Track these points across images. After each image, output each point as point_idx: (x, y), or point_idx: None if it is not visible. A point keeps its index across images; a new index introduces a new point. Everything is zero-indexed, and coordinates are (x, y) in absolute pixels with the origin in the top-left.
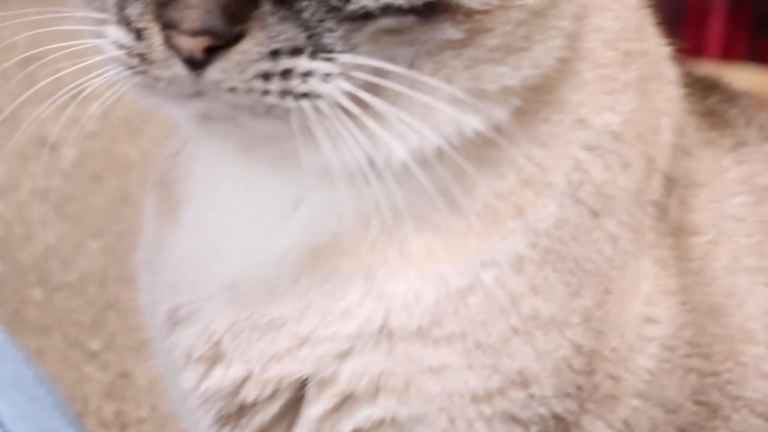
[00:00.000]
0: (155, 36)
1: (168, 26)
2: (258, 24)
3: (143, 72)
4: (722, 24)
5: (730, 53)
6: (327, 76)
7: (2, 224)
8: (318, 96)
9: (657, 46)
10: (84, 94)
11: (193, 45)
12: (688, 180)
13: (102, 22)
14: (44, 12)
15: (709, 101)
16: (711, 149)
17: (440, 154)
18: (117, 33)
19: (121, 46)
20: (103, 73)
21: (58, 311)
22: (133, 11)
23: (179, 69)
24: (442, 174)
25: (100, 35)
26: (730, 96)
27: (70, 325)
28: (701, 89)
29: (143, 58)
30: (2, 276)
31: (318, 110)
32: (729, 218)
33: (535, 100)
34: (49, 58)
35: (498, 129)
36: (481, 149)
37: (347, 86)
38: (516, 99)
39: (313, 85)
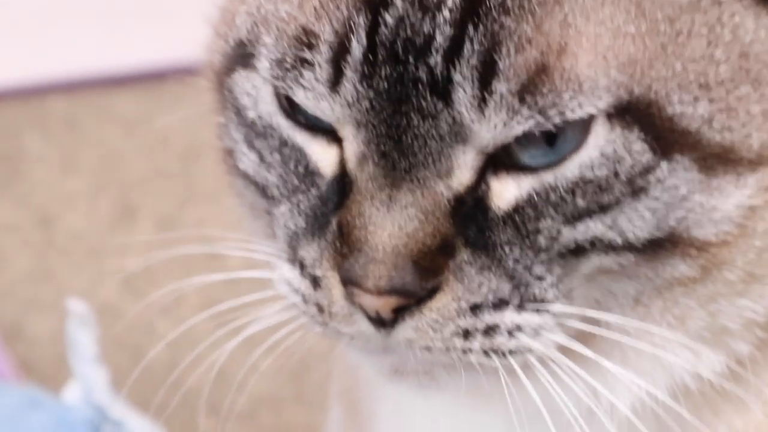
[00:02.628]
0: (335, 288)
1: (350, 282)
2: (455, 276)
3: (323, 324)
4: None
5: None
6: (538, 329)
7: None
8: (528, 351)
9: None
10: (251, 329)
11: (380, 305)
12: None
13: (273, 254)
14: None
15: None
16: None
17: (674, 397)
18: (290, 274)
19: (296, 291)
20: (276, 314)
21: None
22: (308, 254)
23: (364, 326)
24: (676, 419)
25: (272, 267)
26: None
27: None
28: None
29: (321, 309)
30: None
31: (526, 365)
32: None
33: None
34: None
35: (741, 364)
36: (721, 387)
37: (560, 338)
38: (761, 331)
39: (522, 341)
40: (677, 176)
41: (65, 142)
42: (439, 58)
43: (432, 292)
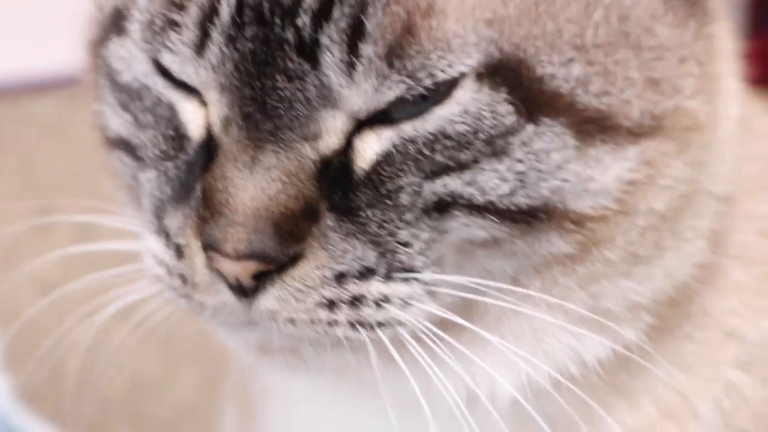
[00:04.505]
0: (197, 256)
1: (210, 247)
2: (318, 242)
3: (187, 296)
4: None
5: None
6: (407, 300)
7: None
8: (398, 324)
9: None
10: (117, 305)
11: (239, 271)
12: None
13: (142, 225)
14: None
15: None
16: None
17: (558, 384)
18: (156, 245)
19: (161, 262)
20: (144, 288)
21: None
22: (172, 223)
23: (226, 296)
24: (562, 409)
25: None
26: None
27: None
28: None
29: (185, 279)
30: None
31: (399, 340)
32: None
33: (672, 314)
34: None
35: (628, 352)
36: (609, 377)
37: (433, 309)
38: (648, 316)
39: (391, 312)
40: (547, 141)
41: None
42: (307, 20)
43: (295, 260)
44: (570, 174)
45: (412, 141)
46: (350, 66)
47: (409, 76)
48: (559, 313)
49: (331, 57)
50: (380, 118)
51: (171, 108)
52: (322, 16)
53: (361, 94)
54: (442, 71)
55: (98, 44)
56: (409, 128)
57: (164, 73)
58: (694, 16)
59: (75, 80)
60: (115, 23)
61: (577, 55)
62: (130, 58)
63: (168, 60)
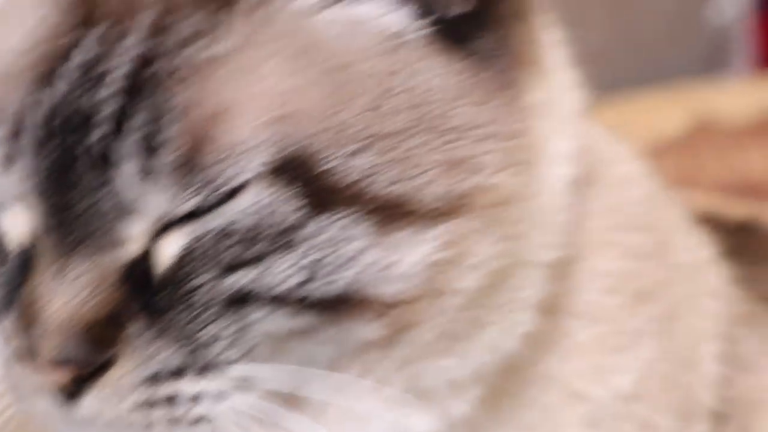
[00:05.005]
0: (24, 362)
1: (27, 356)
2: (128, 346)
3: (20, 400)
4: None
5: None
6: (220, 395)
7: None
8: (214, 419)
9: (690, 254)
10: None
11: (55, 377)
12: (748, 404)
13: None
14: None
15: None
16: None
17: None
18: None
19: (3, 366)
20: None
21: None
22: (7, 324)
23: (50, 402)
24: None
25: None
26: None
27: None
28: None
29: (16, 386)
30: None
31: None
32: None
33: (509, 383)
34: None
35: (467, 424)
36: None
37: (250, 401)
38: (476, 389)
39: (205, 407)
40: (338, 232)
41: None
42: (97, 135)
43: (108, 364)
44: (367, 262)
45: (204, 236)
46: (147, 175)
47: (204, 186)
48: (379, 396)
49: (126, 169)
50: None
51: None
52: (114, 129)
53: (160, 201)
54: (234, 180)
55: None
56: (199, 225)
57: None
58: (505, 89)
59: None
60: None
61: (365, 146)
62: None
63: None
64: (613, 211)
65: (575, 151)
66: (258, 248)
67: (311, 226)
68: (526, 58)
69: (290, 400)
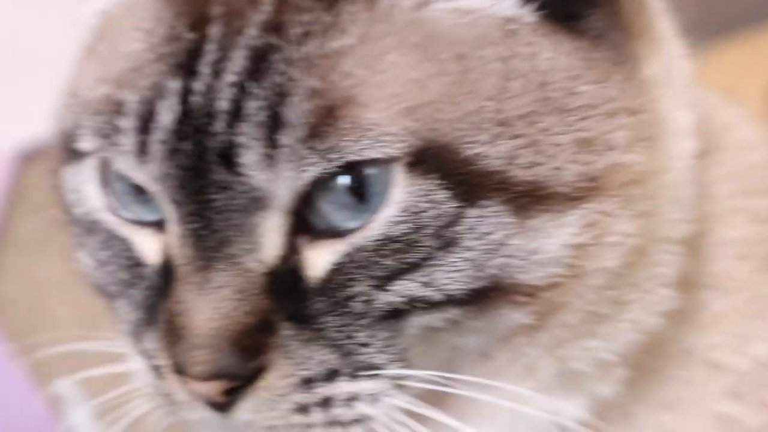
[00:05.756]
0: (172, 377)
1: (178, 370)
2: (280, 352)
3: (174, 413)
4: None
5: None
6: (375, 396)
7: None
8: (369, 419)
9: None
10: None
11: (208, 390)
12: None
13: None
14: None
15: None
16: None
17: None
18: (139, 365)
19: (146, 383)
20: (141, 405)
21: None
22: (149, 345)
23: (206, 412)
24: None
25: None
26: None
27: None
28: None
29: (168, 398)
30: None
31: None
32: None
33: (650, 360)
34: None
35: (613, 406)
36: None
37: (403, 400)
38: (621, 369)
39: (361, 409)
40: (488, 222)
41: None
42: (222, 124)
43: (261, 371)
44: (514, 249)
45: (361, 250)
46: (270, 157)
47: (325, 156)
48: (529, 382)
49: (252, 154)
50: (330, 232)
51: (124, 241)
52: (236, 116)
53: (284, 181)
54: (358, 154)
55: (58, 162)
56: (359, 239)
57: (112, 210)
58: (622, 64)
59: None
60: (66, 147)
61: (502, 131)
62: (82, 192)
63: (120, 164)
64: (735, 177)
65: (695, 121)
66: (420, 251)
67: (467, 220)
68: (638, 29)
69: (441, 397)
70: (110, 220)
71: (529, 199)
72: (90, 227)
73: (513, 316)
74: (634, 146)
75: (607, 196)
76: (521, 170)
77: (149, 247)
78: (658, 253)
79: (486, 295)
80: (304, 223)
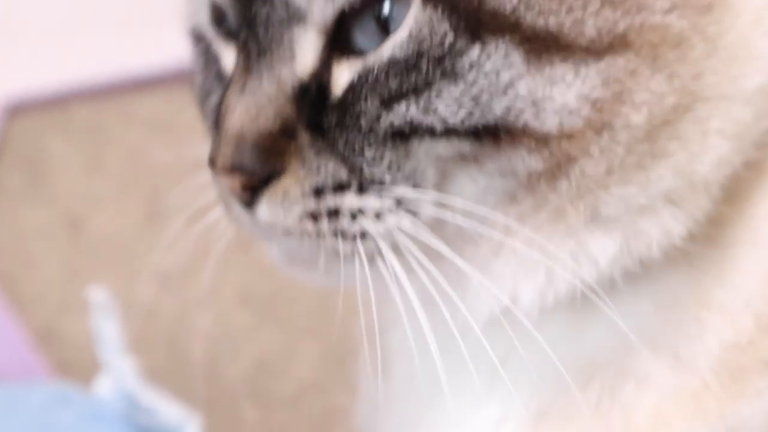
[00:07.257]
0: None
1: (212, 163)
2: (296, 159)
3: (228, 212)
4: None
5: None
6: (380, 213)
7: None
8: (374, 236)
9: None
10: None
11: (230, 183)
12: None
13: None
14: None
15: None
16: None
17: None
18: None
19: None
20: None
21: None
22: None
23: (238, 208)
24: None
25: None
26: None
27: None
28: None
29: (223, 198)
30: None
31: (379, 253)
32: None
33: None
34: None
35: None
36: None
37: (408, 224)
38: (671, 209)
39: (363, 224)
40: (495, 60)
41: (90, 147)
42: None
43: (277, 174)
44: (522, 93)
45: (372, 70)
46: None
47: None
48: (560, 226)
49: None
50: (351, 50)
51: (215, 52)
52: None
53: (318, 3)
54: None
55: None
56: (371, 59)
57: (217, 22)
58: None
59: (181, 76)
60: None
61: None
62: (196, 4)
63: None
64: None
65: None
66: (420, 76)
67: (474, 53)
68: None
69: (459, 235)
70: (211, 33)
71: (545, 45)
72: (197, 39)
73: (524, 160)
74: (672, 11)
75: (635, 54)
76: (536, 16)
77: (228, 59)
78: (708, 109)
79: (498, 136)
80: (337, 44)
